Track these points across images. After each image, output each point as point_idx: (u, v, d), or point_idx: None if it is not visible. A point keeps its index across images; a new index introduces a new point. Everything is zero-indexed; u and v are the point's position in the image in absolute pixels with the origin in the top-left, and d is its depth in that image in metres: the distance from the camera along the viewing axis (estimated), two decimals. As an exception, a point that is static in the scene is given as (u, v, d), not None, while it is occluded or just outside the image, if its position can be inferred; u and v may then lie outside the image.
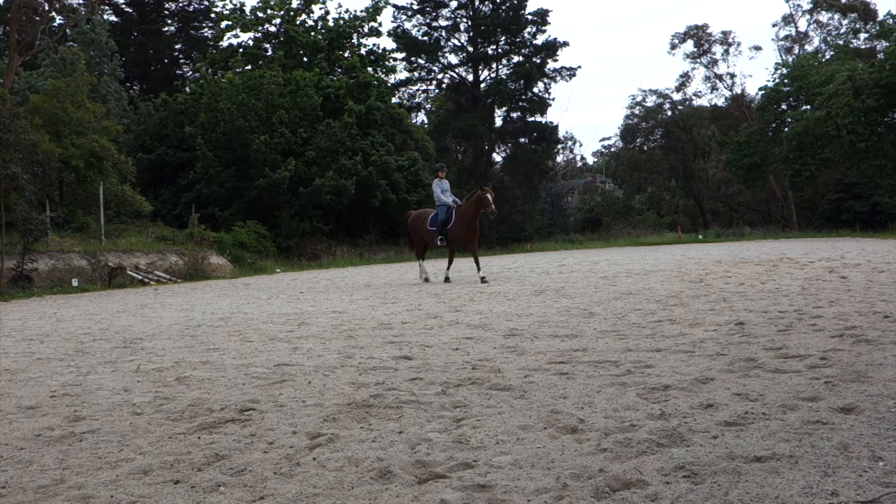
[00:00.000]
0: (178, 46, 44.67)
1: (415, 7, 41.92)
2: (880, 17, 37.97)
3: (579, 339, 6.05)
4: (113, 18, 40.96)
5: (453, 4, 41.98)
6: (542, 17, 41.77)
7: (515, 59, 42.42)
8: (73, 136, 22.28)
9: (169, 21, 44.83)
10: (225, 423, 3.78)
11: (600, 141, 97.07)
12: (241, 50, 35.66)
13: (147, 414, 4.09)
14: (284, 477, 2.90)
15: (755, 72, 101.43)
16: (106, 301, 13.63)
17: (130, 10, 43.00)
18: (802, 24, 44.99)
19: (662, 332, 6.09)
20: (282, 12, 35.25)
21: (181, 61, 44.82)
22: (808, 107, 34.41)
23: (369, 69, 36.31)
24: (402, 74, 42.96)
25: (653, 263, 15.81)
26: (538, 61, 41.66)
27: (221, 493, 2.77)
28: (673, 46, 46.49)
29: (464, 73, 43.51)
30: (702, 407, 3.59)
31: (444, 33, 42.48)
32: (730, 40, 45.37)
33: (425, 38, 41.97)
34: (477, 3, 41.72)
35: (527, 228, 40.37)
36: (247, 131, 28.86)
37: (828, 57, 39.32)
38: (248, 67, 33.85)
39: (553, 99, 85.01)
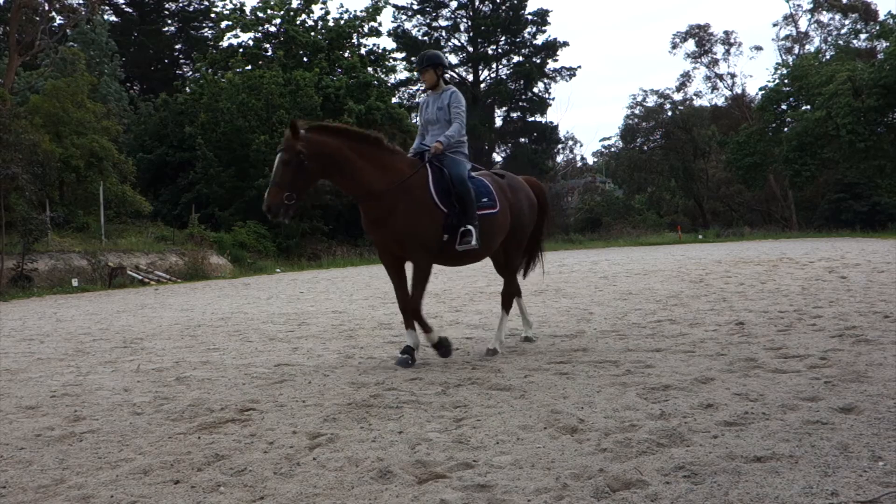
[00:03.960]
0: (178, 46, 44.66)
1: (415, 7, 41.97)
2: (881, 17, 37.98)
3: (579, 339, 6.05)
4: (113, 18, 40.95)
5: (453, 4, 42.03)
6: (542, 17, 41.81)
7: (515, 59, 42.46)
8: (74, 136, 22.28)
9: (169, 21, 44.81)
10: (225, 423, 3.78)
11: (600, 141, 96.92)
12: (241, 50, 35.64)
13: (147, 414, 4.09)
14: (284, 477, 2.90)
15: (755, 72, 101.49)
16: (106, 301, 13.63)
17: (130, 11, 42.98)
18: (803, 24, 44.97)
19: (662, 332, 6.09)
20: (282, 12, 35.22)
21: (181, 61, 44.80)
22: (808, 107, 34.39)
23: (369, 69, 36.30)
24: (402, 74, 42.94)
25: (653, 263, 15.81)
26: (538, 61, 41.71)
27: (221, 493, 2.77)
28: (674, 46, 46.46)
29: (464, 73, 43.54)
30: (702, 407, 3.59)
31: (444, 33, 42.52)
32: (731, 40, 45.35)
33: (425, 38, 41.98)
34: (477, 3, 41.74)
35: (526, 228, 40.27)
36: (247, 131, 28.85)
37: (828, 57, 39.29)
38: (248, 67, 33.82)
39: (553, 99, 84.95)
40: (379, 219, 5.27)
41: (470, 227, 5.26)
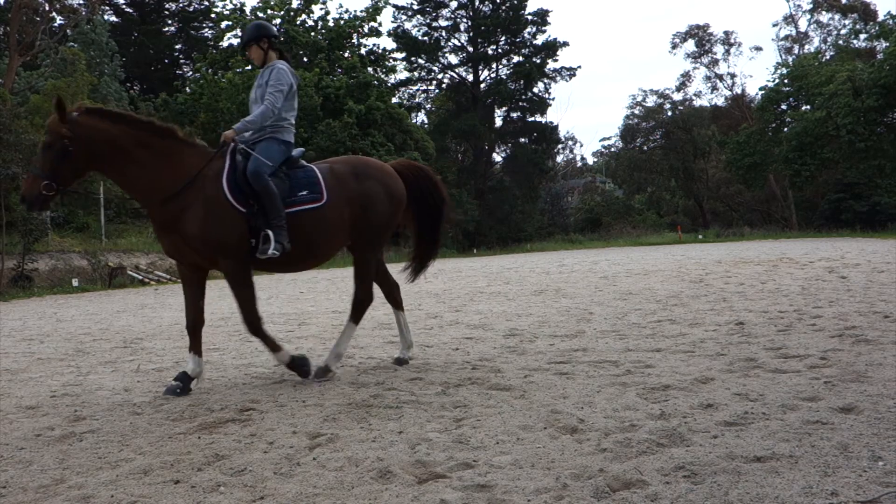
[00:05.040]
0: (178, 46, 44.66)
1: (415, 7, 41.93)
2: (880, 17, 38.01)
3: (579, 339, 6.05)
4: (113, 19, 40.95)
5: (453, 4, 41.99)
6: (542, 17, 41.79)
7: (515, 59, 42.44)
8: (74, 136, 22.25)
9: (169, 21, 44.81)
10: (225, 423, 3.78)
11: (600, 141, 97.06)
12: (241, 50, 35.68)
13: (147, 414, 4.09)
14: (284, 477, 2.90)
15: (755, 72, 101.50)
16: (106, 301, 13.62)
17: (131, 11, 42.99)
18: (803, 24, 45.04)
19: (662, 332, 6.09)
20: (282, 12, 35.28)
21: (181, 61, 44.80)
22: (808, 107, 34.41)
23: (369, 69, 36.33)
24: (402, 74, 42.98)
25: (653, 263, 15.81)
26: (538, 61, 41.67)
27: (221, 493, 2.77)
28: (674, 46, 46.58)
29: (464, 73, 43.53)
30: (702, 407, 3.59)
31: (444, 33, 42.47)
32: (731, 40, 45.40)
33: (425, 38, 41.96)
34: (477, 3, 41.72)
35: (526, 228, 40.41)
36: (247, 131, 28.86)
37: (828, 57, 39.31)
38: (249, 67, 33.84)
39: (553, 99, 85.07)
40: (167, 222, 4.47)
41: (268, 231, 4.44)
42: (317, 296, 12.39)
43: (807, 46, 44.07)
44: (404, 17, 42.14)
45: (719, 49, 45.82)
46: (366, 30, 37.33)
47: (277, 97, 4.78)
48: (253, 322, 4.61)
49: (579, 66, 61.56)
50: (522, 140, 43.58)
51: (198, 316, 4.71)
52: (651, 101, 46.76)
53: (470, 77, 43.24)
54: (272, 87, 4.79)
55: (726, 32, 46.95)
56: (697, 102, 47.50)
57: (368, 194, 4.92)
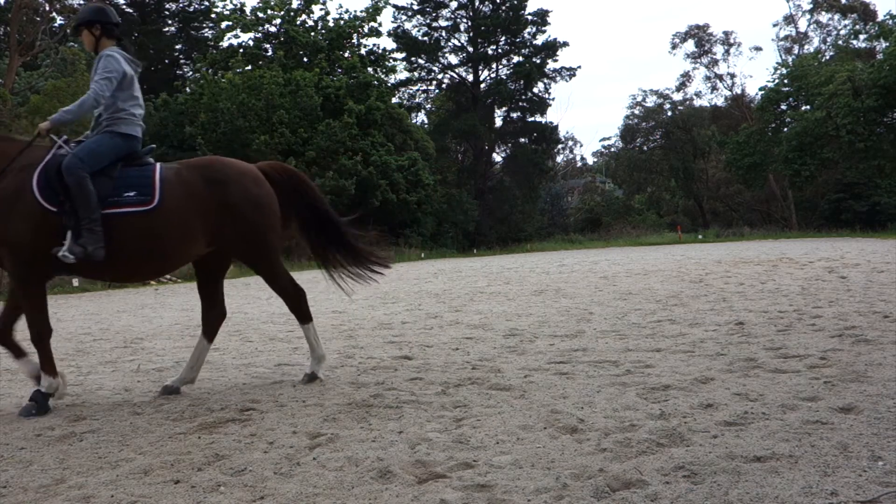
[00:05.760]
0: (178, 47, 44.66)
1: (415, 7, 41.92)
2: (880, 17, 38.02)
3: (579, 339, 6.05)
4: (113, 19, 40.92)
5: (453, 4, 41.98)
6: (542, 17, 41.78)
7: (515, 59, 42.42)
8: (74, 136, 22.25)
9: (169, 21, 44.80)
10: (225, 423, 3.78)
11: (600, 141, 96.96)
12: (241, 50, 35.67)
13: (147, 414, 4.09)
14: (284, 477, 2.91)
15: (755, 72, 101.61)
16: (106, 301, 13.62)
17: (131, 11, 42.96)
18: (803, 25, 45.04)
19: (662, 332, 6.09)
20: (282, 12, 35.25)
21: (181, 61, 44.80)
22: (808, 107, 34.43)
23: (369, 69, 36.32)
24: (402, 74, 42.95)
25: (653, 263, 15.81)
26: (538, 61, 41.66)
27: (221, 493, 2.77)
28: (674, 46, 46.55)
29: (464, 73, 43.51)
30: (702, 407, 3.60)
31: (444, 33, 42.46)
32: (731, 40, 45.40)
33: (425, 38, 41.95)
34: (477, 4, 41.71)
35: (526, 228, 40.44)
36: (247, 131, 28.87)
37: (828, 57, 39.33)
38: (249, 67, 33.86)
39: (553, 99, 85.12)
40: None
41: (71, 231, 4.09)
42: (317, 296, 12.39)
43: (807, 47, 44.09)
44: (404, 18, 42.14)
45: (719, 49, 45.84)
46: (366, 30, 37.30)
47: (103, 85, 4.38)
48: (41, 333, 4.33)
49: (579, 66, 61.55)
50: (522, 140, 43.57)
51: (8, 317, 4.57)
52: (651, 102, 46.78)
53: (470, 77, 43.23)
54: (98, 75, 4.41)
55: (726, 32, 46.99)
56: (697, 102, 47.53)
57: (226, 201, 4.45)
